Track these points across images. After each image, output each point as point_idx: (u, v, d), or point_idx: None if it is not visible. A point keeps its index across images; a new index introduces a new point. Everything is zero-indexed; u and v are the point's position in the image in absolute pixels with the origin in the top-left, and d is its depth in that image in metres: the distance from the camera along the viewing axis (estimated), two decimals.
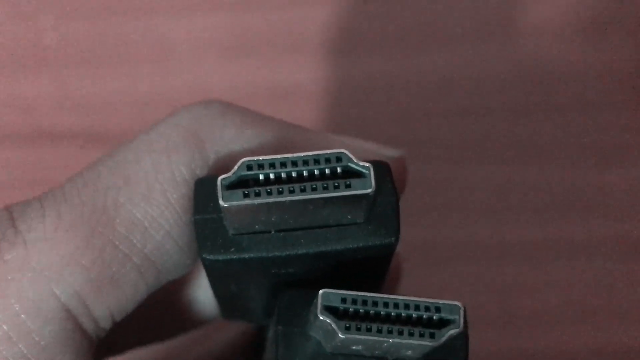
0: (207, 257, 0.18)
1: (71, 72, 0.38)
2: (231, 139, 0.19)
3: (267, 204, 0.17)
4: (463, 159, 0.37)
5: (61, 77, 0.38)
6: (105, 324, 0.19)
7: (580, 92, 0.38)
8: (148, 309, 0.22)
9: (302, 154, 0.17)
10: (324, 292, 0.17)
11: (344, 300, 0.17)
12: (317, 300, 0.17)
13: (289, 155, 0.17)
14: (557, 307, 0.35)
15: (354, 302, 0.17)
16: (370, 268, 0.19)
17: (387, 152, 0.21)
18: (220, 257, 0.18)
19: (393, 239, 0.18)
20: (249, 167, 0.17)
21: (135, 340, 0.24)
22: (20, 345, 0.18)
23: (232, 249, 0.18)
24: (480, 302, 0.35)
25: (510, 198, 0.36)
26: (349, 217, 0.18)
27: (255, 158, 0.17)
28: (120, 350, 0.24)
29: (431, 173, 0.36)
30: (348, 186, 0.17)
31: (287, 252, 0.18)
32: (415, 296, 0.17)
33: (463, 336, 0.18)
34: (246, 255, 0.18)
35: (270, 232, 0.18)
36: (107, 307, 0.19)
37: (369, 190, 0.17)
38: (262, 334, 0.23)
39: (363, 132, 0.37)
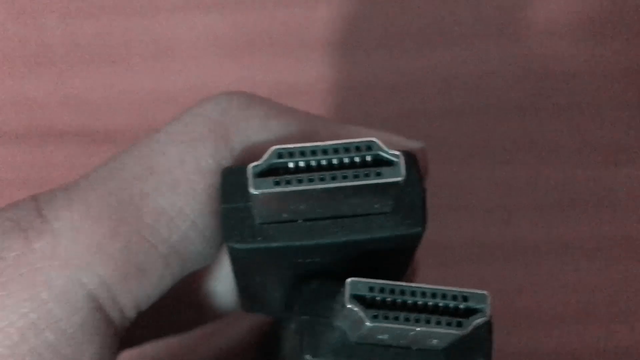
0: (234, 246, 0.18)
1: (74, 70, 0.37)
2: (256, 129, 0.19)
3: (298, 192, 0.17)
4: (467, 158, 0.37)
5: (64, 76, 0.37)
6: (131, 313, 0.19)
7: (585, 90, 0.37)
8: (166, 301, 0.22)
9: (332, 142, 0.17)
10: (352, 281, 0.17)
11: (371, 289, 0.17)
12: (344, 289, 0.17)
13: (320, 143, 0.17)
14: (563, 306, 0.35)
15: (382, 290, 0.17)
16: (395, 258, 0.19)
17: (410, 144, 0.21)
18: (247, 246, 0.18)
19: (420, 228, 0.18)
20: (280, 155, 0.17)
21: (152, 332, 0.24)
22: (47, 334, 0.17)
23: (260, 238, 0.18)
24: None
25: (514, 197, 0.36)
26: (376, 206, 0.18)
27: (286, 146, 0.17)
28: (137, 342, 0.24)
29: (435, 173, 0.36)
30: (378, 174, 0.17)
31: (314, 241, 0.18)
32: (442, 285, 0.17)
33: (488, 326, 0.18)
34: (273, 244, 0.18)
35: (297, 221, 0.18)
36: (133, 296, 0.18)
37: (399, 179, 0.17)
38: (277, 328, 0.23)
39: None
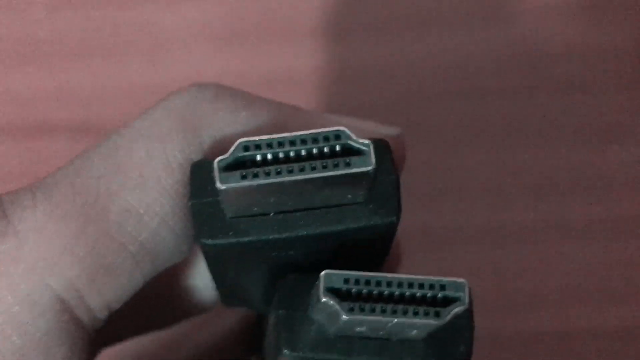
0: (206, 242, 0.17)
1: (64, 64, 0.36)
2: (226, 122, 0.18)
3: (266, 185, 0.16)
4: (460, 142, 0.36)
5: (54, 69, 0.36)
6: (101, 314, 0.18)
7: (578, 72, 0.37)
8: (146, 297, 0.22)
9: (300, 133, 0.16)
10: (326, 274, 0.16)
11: (346, 281, 0.16)
12: (319, 282, 0.16)
13: (287, 134, 0.16)
14: (555, 289, 0.34)
15: (357, 282, 0.16)
16: (371, 249, 0.18)
17: (385, 131, 0.20)
18: (218, 242, 0.17)
19: (394, 218, 0.17)
20: (246, 148, 0.16)
21: (133, 329, 0.23)
22: (14, 338, 0.17)
23: (231, 233, 0.17)
24: (478, 285, 0.34)
25: (508, 180, 0.36)
26: (349, 196, 0.17)
27: (252, 138, 0.16)
28: (119, 339, 0.23)
29: (428, 157, 0.36)
30: (348, 164, 0.16)
31: (287, 234, 0.17)
32: (418, 274, 0.17)
33: (468, 314, 0.17)
34: (245, 239, 0.17)
35: (269, 214, 0.17)
36: (102, 297, 0.18)
37: (369, 168, 0.16)
38: (263, 320, 0.22)
39: (359, 117, 0.37)
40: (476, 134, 0.36)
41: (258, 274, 0.19)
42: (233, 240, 0.17)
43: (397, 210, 0.17)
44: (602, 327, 0.34)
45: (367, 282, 0.16)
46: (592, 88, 0.36)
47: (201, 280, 0.22)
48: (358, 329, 0.17)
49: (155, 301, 0.22)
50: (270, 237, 0.17)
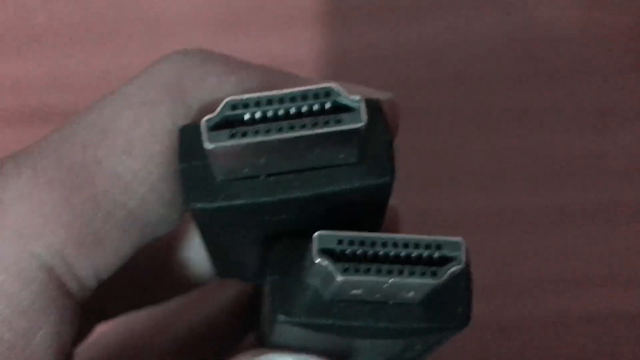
0: (195, 206, 0.16)
1: (60, 50, 0.36)
2: (214, 87, 0.18)
3: (255, 144, 0.15)
4: (458, 127, 0.35)
5: (50, 56, 0.36)
6: (90, 283, 0.17)
7: (578, 56, 0.36)
8: (140, 272, 0.21)
9: (288, 91, 0.15)
10: (319, 235, 0.15)
11: (340, 242, 0.15)
12: (312, 244, 0.15)
13: (275, 92, 0.16)
14: (556, 274, 0.34)
15: (351, 242, 0.15)
16: (366, 211, 0.17)
17: (376, 95, 0.19)
18: (208, 205, 0.16)
19: (388, 178, 0.16)
20: (234, 107, 0.15)
21: (128, 304, 0.22)
22: (0, 307, 0.16)
23: (221, 196, 0.16)
24: (477, 271, 0.33)
25: (507, 165, 0.35)
26: (341, 156, 0.16)
27: (239, 97, 0.15)
28: (113, 314, 0.22)
29: (426, 142, 0.35)
30: (338, 121, 0.15)
31: (279, 196, 0.16)
32: (414, 234, 0.16)
33: (466, 275, 0.17)
34: (236, 202, 0.16)
35: (259, 176, 0.16)
36: (91, 265, 0.17)
37: (360, 125, 0.15)
38: (259, 294, 0.22)
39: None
40: (474, 119, 0.35)
41: (250, 240, 0.18)
42: (223, 203, 0.16)
43: (391, 170, 0.16)
44: (601, 313, 0.33)
45: (362, 243, 0.16)
46: (591, 72, 0.36)
47: (196, 253, 0.22)
48: (353, 292, 0.16)
49: (150, 276, 0.22)
50: (262, 199, 0.16)
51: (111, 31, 0.36)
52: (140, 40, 0.36)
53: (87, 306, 0.18)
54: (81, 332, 0.20)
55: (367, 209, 0.17)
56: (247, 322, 0.24)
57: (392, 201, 0.18)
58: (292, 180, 0.16)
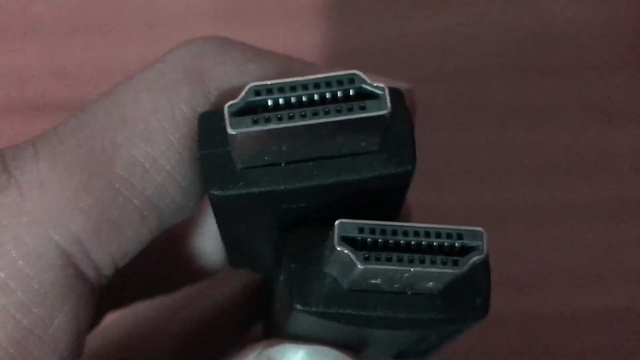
0: (215, 193, 0.16)
1: (61, 40, 0.35)
2: (233, 74, 0.17)
3: (278, 130, 0.15)
4: (463, 122, 0.35)
5: (51, 46, 0.35)
6: (108, 270, 0.17)
7: (581, 51, 0.36)
8: (152, 260, 0.21)
9: (312, 77, 0.15)
10: (340, 222, 0.15)
11: (361, 230, 0.15)
12: (333, 232, 0.15)
13: (299, 78, 0.15)
14: (559, 270, 0.34)
15: (372, 231, 0.15)
16: (386, 200, 0.17)
17: (396, 84, 0.19)
18: (229, 193, 0.16)
19: (410, 167, 0.16)
20: (257, 93, 0.15)
21: (138, 293, 0.22)
22: (19, 293, 0.16)
23: (242, 183, 0.16)
24: None
25: (510, 161, 0.35)
26: (362, 144, 0.16)
27: (263, 82, 0.15)
28: (125, 303, 0.22)
29: (430, 137, 0.35)
30: (363, 108, 0.15)
31: (299, 184, 0.16)
32: (435, 224, 0.16)
33: (485, 266, 0.17)
34: (256, 189, 0.16)
35: (280, 164, 0.16)
36: (108, 252, 0.17)
37: (384, 112, 0.15)
38: (270, 284, 0.21)
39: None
40: (479, 114, 0.35)
41: (268, 229, 0.18)
42: (243, 191, 0.16)
43: (413, 158, 0.16)
44: (606, 308, 0.33)
45: (383, 231, 0.15)
46: (597, 68, 0.36)
47: (208, 244, 0.21)
48: (373, 281, 0.16)
49: (161, 265, 0.21)
50: (282, 187, 0.16)
51: (111, 21, 0.36)
52: (141, 31, 0.36)
53: (104, 291, 0.18)
54: (93, 320, 0.20)
55: (387, 198, 0.17)
56: (255, 313, 0.24)
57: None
58: (313, 168, 0.16)
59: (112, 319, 0.22)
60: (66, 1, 0.35)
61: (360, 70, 0.16)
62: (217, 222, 0.18)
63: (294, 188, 0.16)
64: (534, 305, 0.33)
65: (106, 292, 0.18)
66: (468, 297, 0.16)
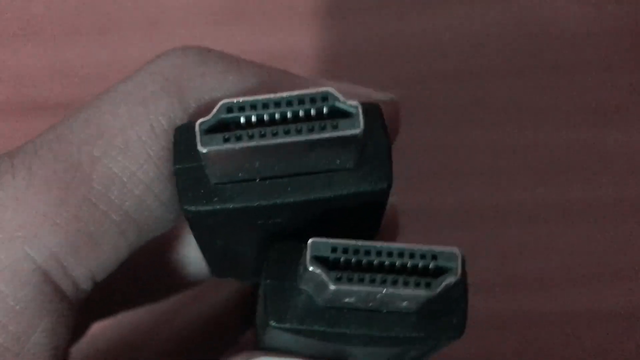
0: (189, 209, 0.16)
1: (60, 41, 0.35)
2: (213, 85, 0.17)
3: (250, 148, 0.15)
4: (460, 122, 0.35)
5: (50, 47, 0.35)
6: (86, 285, 0.17)
7: (579, 51, 0.35)
8: (138, 269, 0.21)
9: (285, 94, 0.15)
10: (313, 242, 0.15)
11: (334, 250, 0.15)
12: (305, 251, 0.15)
13: (272, 95, 0.15)
14: (557, 270, 0.34)
15: (345, 251, 0.15)
16: (363, 217, 0.17)
17: (377, 96, 0.19)
18: (202, 208, 0.16)
19: (385, 184, 0.16)
20: (229, 109, 0.15)
21: (126, 302, 0.22)
22: None
23: (215, 199, 0.16)
24: (479, 266, 0.33)
25: (508, 161, 0.34)
26: (337, 162, 0.16)
27: (235, 99, 0.15)
28: (112, 312, 0.22)
29: (427, 137, 0.35)
30: (335, 127, 0.15)
31: (274, 201, 0.16)
32: (410, 243, 0.15)
33: (462, 285, 0.16)
34: (230, 205, 0.16)
35: (255, 179, 0.16)
36: (86, 267, 0.17)
37: (357, 131, 0.15)
38: (257, 291, 0.21)
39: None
40: (476, 113, 0.35)
41: (246, 243, 0.18)
42: (217, 207, 0.16)
43: (389, 176, 0.16)
44: (604, 308, 0.33)
45: (356, 251, 0.15)
46: (595, 67, 0.35)
47: (194, 252, 0.21)
48: (347, 300, 0.16)
49: (148, 273, 0.21)
50: (256, 203, 0.16)
51: (109, 22, 0.36)
52: (139, 31, 0.36)
53: (83, 304, 0.18)
54: (76, 331, 0.20)
55: (364, 214, 0.17)
56: (247, 319, 0.24)
57: (392, 198, 0.17)
58: (288, 184, 0.16)
59: (99, 328, 0.22)
60: (65, 2, 0.35)
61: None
62: (194, 236, 0.18)
63: (268, 204, 0.16)
64: (533, 305, 0.33)
65: (91, 302, 0.18)
66: (444, 316, 0.16)
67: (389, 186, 0.16)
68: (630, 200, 0.34)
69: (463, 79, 0.35)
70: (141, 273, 0.21)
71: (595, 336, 0.33)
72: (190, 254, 0.21)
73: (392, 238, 0.23)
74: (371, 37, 0.36)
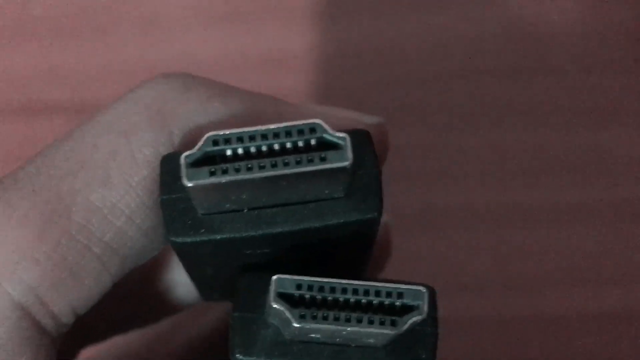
0: (176, 240, 0.15)
1: (59, 43, 0.35)
2: (197, 113, 0.17)
3: (236, 181, 0.14)
4: (457, 123, 0.34)
5: (48, 49, 0.35)
6: (67, 319, 0.16)
7: (575, 53, 0.35)
8: (127, 294, 0.20)
9: (272, 126, 0.15)
10: (277, 278, 0.15)
11: (299, 287, 0.15)
12: (270, 287, 0.15)
13: (258, 127, 0.15)
14: (554, 271, 0.33)
15: (310, 288, 0.15)
16: (354, 245, 0.17)
17: (366, 120, 0.18)
18: (189, 239, 0.15)
19: (375, 214, 0.16)
20: (215, 142, 0.15)
21: (115, 327, 0.22)
22: None
23: (202, 230, 0.15)
24: (476, 268, 0.33)
25: (505, 162, 0.34)
26: (326, 192, 0.15)
27: (221, 132, 0.15)
28: (102, 337, 0.21)
29: (424, 138, 0.34)
30: (323, 159, 0.14)
31: (261, 232, 0.15)
32: (377, 281, 0.15)
33: (433, 321, 0.16)
34: (217, 236, 0.15)
35: (242, 210, 0.15)
36: (67, 301, 0.16)
37: (345, 163, 0.14)
38: None
39: (355, 98, 0.34)
40: (473, 115, 0.35)
41: (234, 270, 0.17)
42: (204, 238, 0.15)
43: (379, 205, 0.16)
44: (601, 309, 0.33)
45: (321, 288, 0.15)
46: (591, 69, 0.35)
47: (184, 275, 0.21)
48: (313, 335, 0.15)
49: (137, 298, 0.21)
50: (244, 234, 0.15)
51: (111, 24, 0.35)
52: (138, 33, 0.35)
53: (69, 334, 0.17)
54: (65, 358, 0.19)
55: (355, 244, 0.17)
56: None
57: (386, 218, 0.17)
58: (276, 214, 0.16)
59: (89, 354, 0.21)
60: (63, 3, 0.35)
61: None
62: (183, 265, 0.17)
63: (256, 235, 0.16)
64: (531, 306, 0.33)
65: (78, 329, 0.18)
66: (413, 351, 0.16)
67: (379, 215, 0.16)
68: (629, 202, 0.34)
69: (459, 80, 0.35)
70: (130, 298, 0.21)
71: (591, 337, 0.33)
72: (180, 278, 0.21)
73: (385, 256, 0.23)
74: (366, 40, 0.35)
